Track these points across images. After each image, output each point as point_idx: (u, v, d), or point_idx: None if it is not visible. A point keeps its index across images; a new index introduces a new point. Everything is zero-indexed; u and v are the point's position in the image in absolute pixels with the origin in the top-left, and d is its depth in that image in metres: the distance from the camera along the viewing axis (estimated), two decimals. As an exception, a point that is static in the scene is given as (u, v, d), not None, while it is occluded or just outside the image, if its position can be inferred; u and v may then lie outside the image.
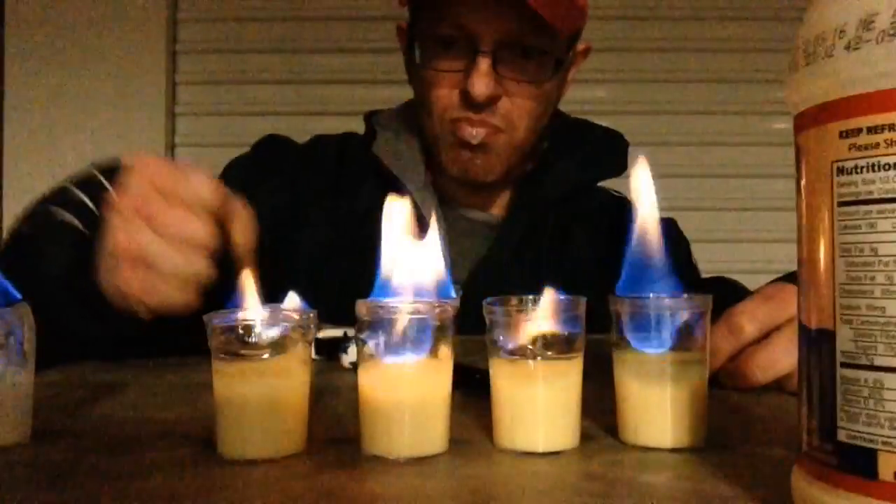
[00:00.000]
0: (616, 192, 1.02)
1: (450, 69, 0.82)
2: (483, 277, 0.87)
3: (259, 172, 0.92)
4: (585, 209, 0.95)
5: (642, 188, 0.39)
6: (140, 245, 0.52)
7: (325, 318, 0.73)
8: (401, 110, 0.98)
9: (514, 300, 0.38)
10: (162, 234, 0.52)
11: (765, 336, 0.52)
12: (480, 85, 0.79)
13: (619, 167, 0.95)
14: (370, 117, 0.98)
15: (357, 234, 0.89)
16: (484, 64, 0.79)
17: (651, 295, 0.38)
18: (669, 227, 0.98)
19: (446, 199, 0.93)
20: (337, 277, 0.87)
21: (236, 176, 0.91)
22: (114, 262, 0.53)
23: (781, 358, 0.50)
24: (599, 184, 0.99)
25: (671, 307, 0.38)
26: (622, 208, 1.00)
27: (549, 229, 0.91)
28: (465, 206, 0.93)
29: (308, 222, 0.91)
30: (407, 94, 0.96)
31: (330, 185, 0.93)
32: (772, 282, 0.58)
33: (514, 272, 0.89)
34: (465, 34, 0.80)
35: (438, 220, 0.90)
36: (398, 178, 0.89)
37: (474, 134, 0.83)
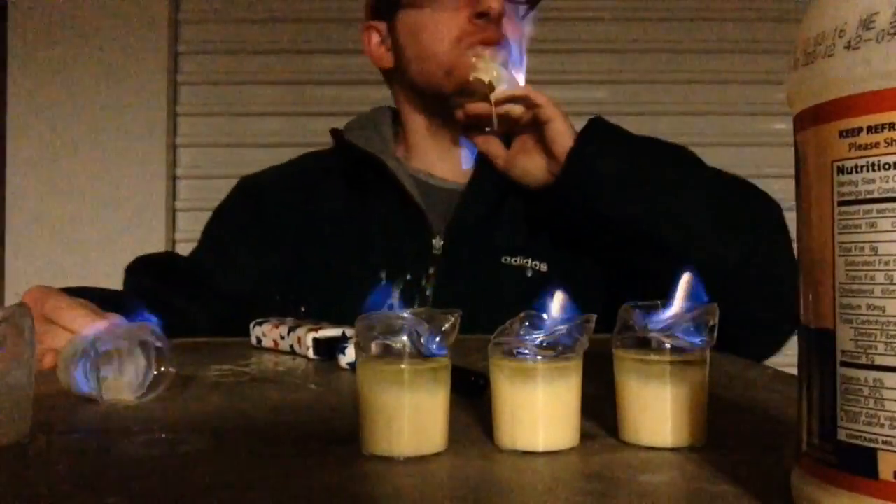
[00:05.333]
0: None
1: None
2: (457, 235, 0.91)
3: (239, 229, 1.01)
4: None
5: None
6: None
7: (322, 318, 0.74)
8: (367, 114, 1.03)
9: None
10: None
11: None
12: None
13: None
14: (337, 131, 1.02)
15: (335, 229, 0.95)
16: None
17: (654, 299, 0.39)
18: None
19: (419, 172, 0.98)
20: (324, 275, 0.92)
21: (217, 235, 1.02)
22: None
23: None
24: None
25: (673, 310, 0.38)
26: None
27: (533, 193, 0.93)
28: (436, 178, 0.98)
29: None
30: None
31: (310, 196, 0.99)
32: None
33: (496, 229, 0.92)
34: None
35: (412, 189, 0.94)
36: (373, 154, 0.93)
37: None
